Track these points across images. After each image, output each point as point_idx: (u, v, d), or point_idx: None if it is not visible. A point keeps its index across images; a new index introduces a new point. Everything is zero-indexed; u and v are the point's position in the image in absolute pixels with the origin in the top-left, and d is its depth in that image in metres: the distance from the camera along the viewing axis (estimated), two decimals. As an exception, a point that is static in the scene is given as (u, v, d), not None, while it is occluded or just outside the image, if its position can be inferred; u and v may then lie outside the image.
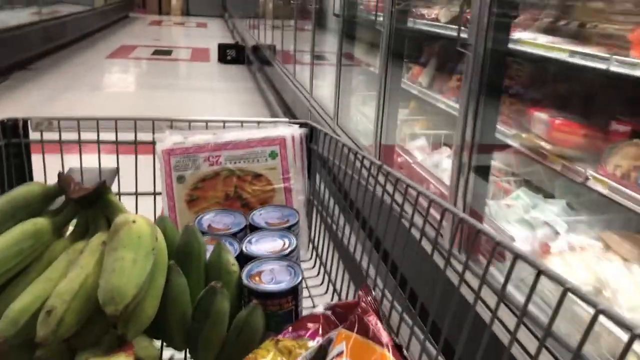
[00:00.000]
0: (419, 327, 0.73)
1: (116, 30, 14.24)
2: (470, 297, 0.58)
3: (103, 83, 8.04)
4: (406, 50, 3.04)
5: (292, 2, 5.66)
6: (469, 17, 2.02)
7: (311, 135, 1.22)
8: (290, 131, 1.19)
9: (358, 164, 1.01)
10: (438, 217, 0.71)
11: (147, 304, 0.75)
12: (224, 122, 1.21)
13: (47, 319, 0.70)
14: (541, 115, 2.06)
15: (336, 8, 3.78)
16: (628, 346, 0.38)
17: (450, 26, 2.49)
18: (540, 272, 0.48)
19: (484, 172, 2.07)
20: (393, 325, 0.80)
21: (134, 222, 0.77)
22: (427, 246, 0.71)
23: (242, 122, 1.22)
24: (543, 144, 1.96)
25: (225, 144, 1.15)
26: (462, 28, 2.04)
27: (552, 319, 0.47)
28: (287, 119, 1.25)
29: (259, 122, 1.22)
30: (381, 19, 2.88)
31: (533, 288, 0.46)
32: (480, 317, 0.59)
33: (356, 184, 0.99)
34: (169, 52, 11.17)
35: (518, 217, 2.16)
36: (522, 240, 1.99)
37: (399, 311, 0.78)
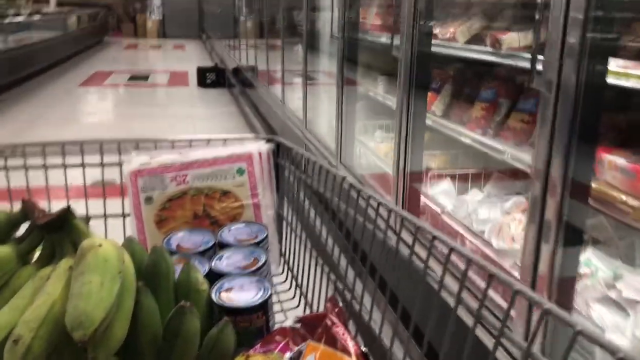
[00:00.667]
0: (399, 331, 0.74)
1: (90, 55, 13.58)
2: (451, 300, 0.59)
3: (76, 114, 7.45)
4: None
5: (276, 24, 5.18)
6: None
7: (278, 151, 1.23)
8: (257, 147, 1.20)
9: (324, 176, 1.02)
10: (396, 225, 0.73)
11: (117, 327, 0.76)
12: (190, 140, 1.22)
13: (14, 348, 0.69)
14: (617, 160, 1.51)
15: (334, 29, 3.34)
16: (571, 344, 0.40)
17: (478, 48, 2.14)
18: (516, 292, 0.48)
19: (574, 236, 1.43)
20: (374, 329, 0.81)
21: (100, 245, 0.77)
22: (404, 250, 0.72)
23: (208, 140, 1.23)
24: (624, 197, 1.45)
25: (191, 162, 1.16)
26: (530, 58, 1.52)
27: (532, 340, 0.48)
28: (253, 135, 1.26)
29: (225, 140, 1.23)
30: (397, 42, 2.35)
31: (509, 309, 0.47)
32: (462, 321, 0.60)
33: (324, 196, 1.01)
34: (145, 78, 10.52)
35: (598, 294, 1.61)
36: (615, 329, 1.49)
37: (379, 317, 0.79)
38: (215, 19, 12.38)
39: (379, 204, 0.76)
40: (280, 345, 0.80)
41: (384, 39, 2.75)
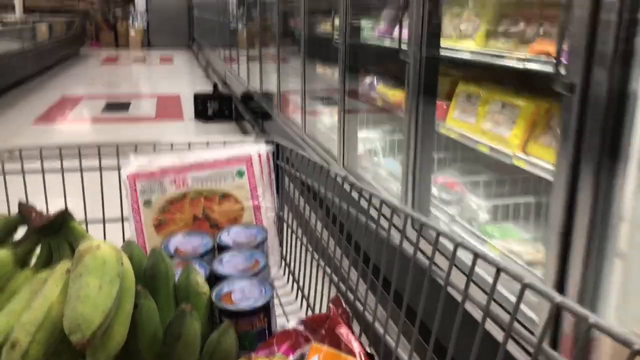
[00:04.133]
0: (405, 330, 0.73)
1: (61, 72, 11.25)
2: (458, 296, 0.57)
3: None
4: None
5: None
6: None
7: (277, 152, 1.22)
8: (256, 149, 1.19)
9: (324, 177, 1.01)
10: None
11: (116, 330, 0.74)
12: (189, 143, 1.21)
13: (12, 353, 0.68)
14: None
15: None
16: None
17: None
18: (525, 286, 0.47)
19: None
20: (379, 329, 0.80)
21: (98, 247, 0.76)
22: (409, 248, 0.71)
23: (207, 142, 1.22)
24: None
25: (190, 165, 1.14)
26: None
27: (514, 312, 0.47)
28: (252, 137, 1.25)
29: (224, 142, 1.22)
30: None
31: (518, 302, 0.46)
32: (470, 315, 0.59)
33: (325, 197, 1.00)
34: (125, 106, 7.99)
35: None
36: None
37: (383, 317, 0.78)
38: (208, 25, 10.52)
39: (382, 202, 0.74)
40: (283, 347, 0.79)
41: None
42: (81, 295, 0.70)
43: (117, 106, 8.02)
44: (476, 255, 0.51)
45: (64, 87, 9.51)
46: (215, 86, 7.73)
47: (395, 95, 2.81)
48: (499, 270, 0.47)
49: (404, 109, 2.32)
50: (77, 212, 0.96)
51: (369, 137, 3.33)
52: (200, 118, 7.07)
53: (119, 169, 1.15)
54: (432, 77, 2.16)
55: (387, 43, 2.78)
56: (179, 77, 10.86)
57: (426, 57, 2.11)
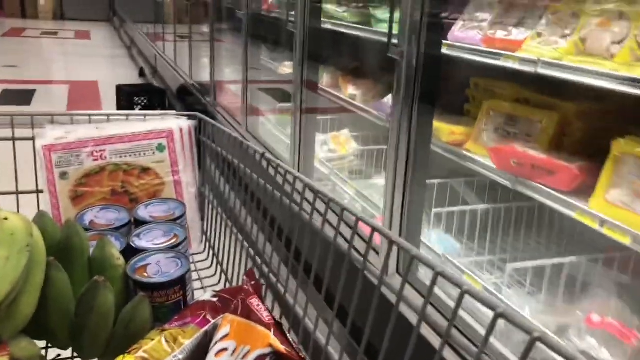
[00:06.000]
0: (314, 300, 0.75)
1: None
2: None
3: None
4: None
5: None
6: None
7: (200, 127, 1.22)
8: (178, 123, 1.18)
9: (244, 153, 1.02)
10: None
11: (24, 302, 0.73)
12: (108, 115, 1.19)
13: None
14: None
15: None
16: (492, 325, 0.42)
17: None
18: (437, 274, 0.50)
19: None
20: (290, 300, 0.83)
21: (5, 219, 0.75)
22: (317, 220, 0.73)
23: (127, 115, 1.20)
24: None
25: (109, 137, 1.13)
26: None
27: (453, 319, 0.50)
28: (174, 112, 1.25)
29: (145, 115, 1.20)
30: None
31: (387, 258, 0.50)
32: (386, 298, 0.62)
33: (244, 172, 1.01)
34: (28, 95, 6.15)
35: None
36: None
37: (293, 289, 0.81)
38: None
39: (295, 177, 0.77)
40: (197, 319, 0.80)
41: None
42: (-13, 266, 0.69)
43: (17, 94, 6.13)
44: (373, 229, 0.54)
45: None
46: (142, 71, 6.82)
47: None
48: (391, 242, 0.51)
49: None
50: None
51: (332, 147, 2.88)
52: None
53: (33, 140, 1.11)
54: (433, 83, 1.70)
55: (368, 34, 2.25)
56: (98, 57, 8.98)
57: (425, 56, 1.64)
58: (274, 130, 3.30)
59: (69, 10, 13.86)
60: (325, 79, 2.78)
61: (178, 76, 5.27)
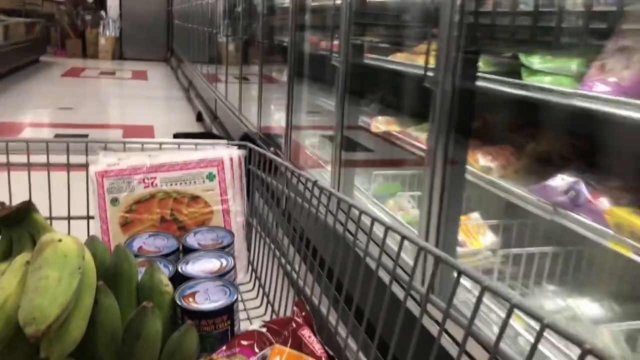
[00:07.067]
0: (364, 338, 0.73)
1: (10, 85, 8.85)
2: (416, 310, 0.57)
3: None
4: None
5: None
6: None
7: (250, 156, 1.22)
8: (229, 152, 1.18)
9: (296, 182, 1.01)
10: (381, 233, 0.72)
11: (73, 325, 0.72)
12: (161, 143, 1.20)
13: (-37, 343, 0.66)
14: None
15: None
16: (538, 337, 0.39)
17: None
18: (484, 288, 0.47)
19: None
20: (340, 338, 0.80)
21: (60, 240, 0.74)
22: (371, 263, 0.71)
23: (179, 144, 1.21)
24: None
25: (161, 165, 1.13)
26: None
27: (500, 335, 0.46)
28: (225, 141, 1.25)
29: (196, 145, 1.21)
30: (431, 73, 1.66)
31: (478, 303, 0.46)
32: (427, 329, 0.59)
33: (294, 202, 0.99)
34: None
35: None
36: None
37: (341, 324, 0.78)
38: (191, 36, 8.84)
39: (350, 206, 0.75)
40: (244, 348, 0.78)
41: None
42: (39, 287, 0.68)
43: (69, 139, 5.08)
44: (460, 272, 0.51)
45: (6, 107, 7.42)
46: (199, 116, 6.58)
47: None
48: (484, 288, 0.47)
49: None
50: (42, 209, 0.94)
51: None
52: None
53: (87, 166, 1.13)
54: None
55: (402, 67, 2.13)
56: (154, 98, 8.88)
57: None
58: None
59: (128, 50, 14.17)
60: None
61: (241, 124, 4.67)
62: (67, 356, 0.74)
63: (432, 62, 1.69)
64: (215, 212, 1.15)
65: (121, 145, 1.19)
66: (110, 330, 0.79)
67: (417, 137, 2.19)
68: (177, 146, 1.21)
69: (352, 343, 0.75)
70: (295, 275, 0.97)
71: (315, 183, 0.88)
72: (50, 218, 1.13)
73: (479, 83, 1.62)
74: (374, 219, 0.70)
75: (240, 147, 1.22)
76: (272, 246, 1.12)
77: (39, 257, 0.73)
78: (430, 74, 1.65)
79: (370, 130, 2.54)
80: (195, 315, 0.84)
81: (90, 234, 1.13)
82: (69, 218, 1.16)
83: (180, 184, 1.14)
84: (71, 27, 14.19)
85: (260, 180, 1.19)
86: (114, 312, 0.80)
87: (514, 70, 1.62)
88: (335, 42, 2.52)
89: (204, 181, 1.15)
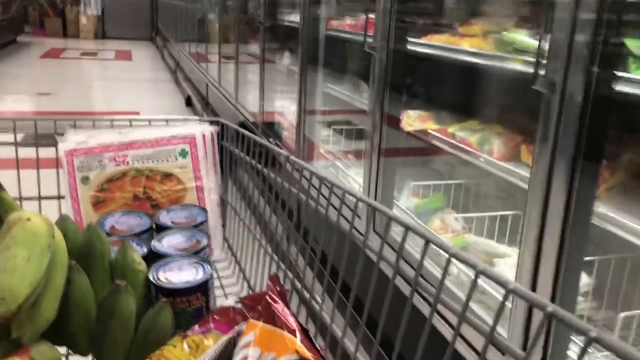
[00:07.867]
0: (342, 306, 0.73)
1: None
2: (406, 289, 0.56)
3: None
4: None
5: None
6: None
7: (222, 132, 1.20)
8: (201, 129, 1.17)
9: (271, 157, 1.01)
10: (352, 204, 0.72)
11: (44, 305, 0.72)
12: (131, 120, 1.18)
13: None
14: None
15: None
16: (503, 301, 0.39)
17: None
18: (428, 242, 0.48)
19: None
20: (316, 306, 0.80)
21: (28, 219, 0.73)
22: (345, 224, 0.71)
23: (149, 120, 1.19)
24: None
25: (132, 143, 1.12)
26: None
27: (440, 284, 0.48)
28: (197, 117, 1.23)
29: (167, 120, 1.19)
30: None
31: (422, 258, 0.47)
32: (417, 309, 0.59)
33: (267, 176, 0.99)
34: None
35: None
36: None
37: (320, 297, 0.78)
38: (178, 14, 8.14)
39: (322, 180, 0.75)
40: (220, 325, 0.78)
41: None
42: (7, 267, 0.67)
43: (41, 137, 3.57)
44: (407, 228, 0.52)
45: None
46: (188, 100, 6.05)
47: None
48: (427, 242, 0.48)
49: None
50: (11, 188, 0.92)
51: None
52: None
53: (55, 144, 1.11)
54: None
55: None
56: (139, 81, 8.24)
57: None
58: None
59: (111, 29, 13.58)
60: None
61: (238, 113, 4.14)
62: (40, 336, 0.74)
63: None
64: (188, 190, 1.14)
65: (90, 122, 1.17)
66: (83, 309, 0.78)
67: (463, 139, 1.85)
68: (147, 122, 1.19)
69: (327, 316, 0.76)
70: (270, 250, 0.97)
71: (287, 158, 0.88)
72: (20, 198, 1.11)
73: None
74: (346, 191, 0.70)
75: (212, 123, 1.20)
76: (247, 222, 1.12)
77: (7, 236, 0.71)
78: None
79: (402, 129, 2.09)
80: (170, 292, 0.84)
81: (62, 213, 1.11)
82: (39, 198, 1.14)
83: (153, 161, 1.13)
84: (50, 5, 13.63)
85: (232, 156, 1.18)
86: (87, 291, 0.79)
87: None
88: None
89: (176, 158, 1.14)
